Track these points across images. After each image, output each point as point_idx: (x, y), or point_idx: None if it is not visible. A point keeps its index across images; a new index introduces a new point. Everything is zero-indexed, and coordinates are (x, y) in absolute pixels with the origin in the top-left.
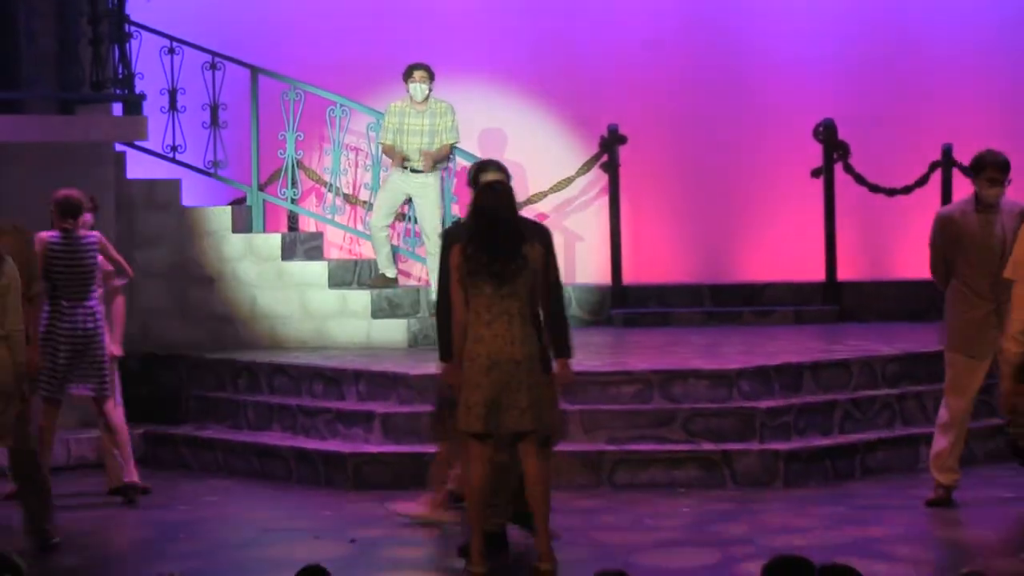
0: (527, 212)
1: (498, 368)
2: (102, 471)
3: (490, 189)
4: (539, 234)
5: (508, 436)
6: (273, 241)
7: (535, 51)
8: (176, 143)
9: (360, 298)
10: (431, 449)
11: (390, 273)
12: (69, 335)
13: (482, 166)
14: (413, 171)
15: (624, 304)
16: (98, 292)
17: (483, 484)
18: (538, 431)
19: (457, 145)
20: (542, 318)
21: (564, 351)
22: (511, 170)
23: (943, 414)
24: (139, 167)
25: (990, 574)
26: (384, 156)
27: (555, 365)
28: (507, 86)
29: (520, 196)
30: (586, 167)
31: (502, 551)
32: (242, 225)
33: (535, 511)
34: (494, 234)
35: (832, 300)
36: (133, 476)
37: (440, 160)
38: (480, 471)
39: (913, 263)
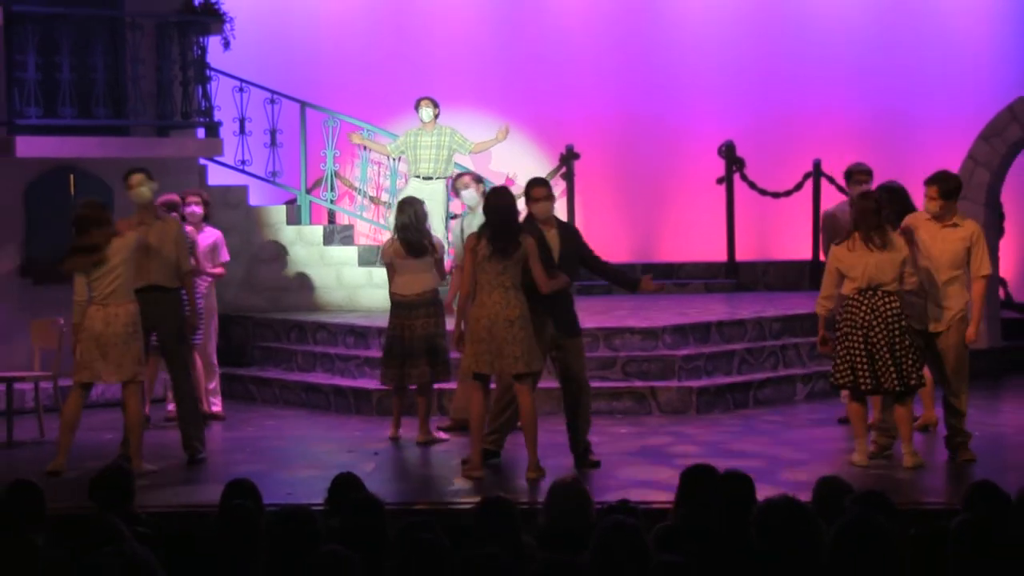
0: None
1: (496, 326)
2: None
3: (499, 192)
4: (570, 231)
5: (508, 377)
6: (317, 231)
7: (513, 89)
8: (244, 158)
9: (381, 273)
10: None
11: None
12: None
13: (535, 183)
14: (425, 178)
15: (577, 278)
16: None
17: (481, 410)
18: (530, 373)
19: (459, 159)
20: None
21: (632, 282)
22: (496, 179)
23: None
24: (217, 176)
25: (844, 480)
26: (400, 164)
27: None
28: (492, 114)
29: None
30: (549, 176)
31: (494, 460)
32: (294, 219)
33: (526, 433)
34: (504, 228)
35: (732, 275)
36: (218, 406)
37: (484, 147)
38: (479, 401)
39: (790, 248)
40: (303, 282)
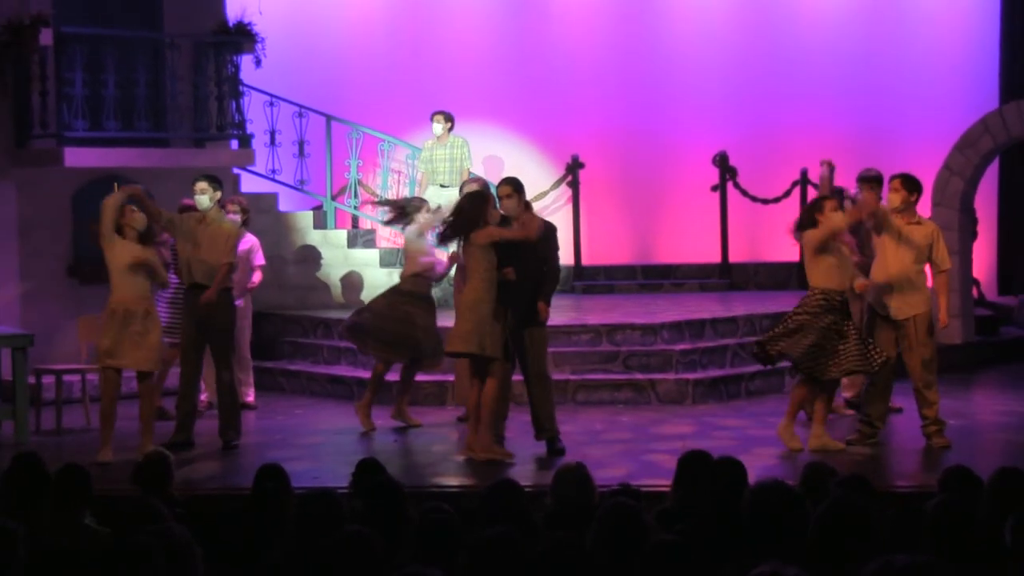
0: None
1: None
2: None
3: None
4: (543, 231)
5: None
6: (341, 235)
7: (523, 104)
8: (275, 167)
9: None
10: (443, 377)
11: None
12: None
13: (500, 183)
14: (442, 186)
15: (582, 278)
16: None
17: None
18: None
19: (470, 169)
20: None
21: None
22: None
23: None
24: (249, 184)
25: (829, 465)
26: (420, 176)
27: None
28: (504, 127)
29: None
30: (556, 184)
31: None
32: (320, 224)
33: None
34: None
35: (725, 276)
36: (251, 397)
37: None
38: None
39: (780, 250)
40: (329, 282)
